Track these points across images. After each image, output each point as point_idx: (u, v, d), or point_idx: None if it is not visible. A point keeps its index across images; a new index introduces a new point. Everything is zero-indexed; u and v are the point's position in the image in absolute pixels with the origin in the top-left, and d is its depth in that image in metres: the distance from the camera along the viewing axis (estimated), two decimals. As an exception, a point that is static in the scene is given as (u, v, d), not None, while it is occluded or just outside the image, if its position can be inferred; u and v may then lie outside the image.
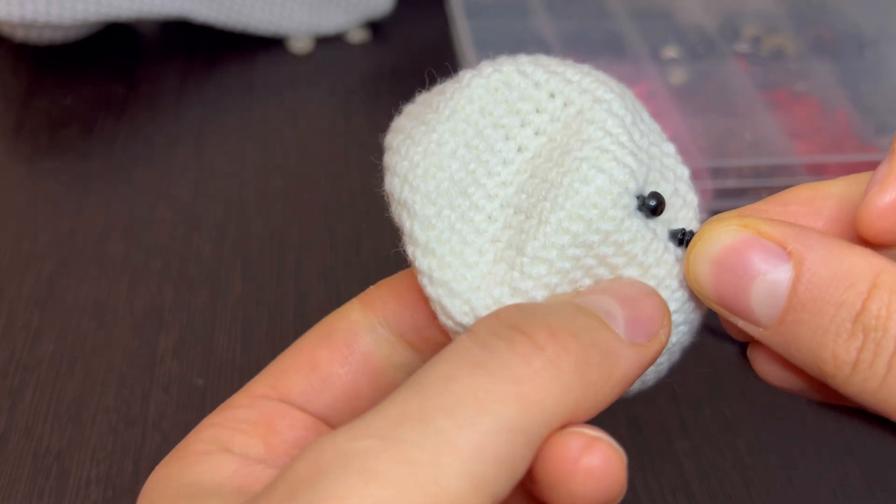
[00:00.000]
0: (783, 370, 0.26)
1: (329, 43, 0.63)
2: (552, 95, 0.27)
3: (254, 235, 0.48)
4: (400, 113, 0.29)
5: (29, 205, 0.50)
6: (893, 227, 0.25)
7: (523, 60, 0.28)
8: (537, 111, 0.27)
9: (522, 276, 0.25)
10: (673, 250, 0.26)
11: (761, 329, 0.24)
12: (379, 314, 0.27)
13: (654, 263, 0.26)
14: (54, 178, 0.52)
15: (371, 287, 0.30)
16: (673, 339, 0.27)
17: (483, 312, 0.25)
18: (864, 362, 0.23)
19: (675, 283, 0.26)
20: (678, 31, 0.57)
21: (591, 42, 0.57)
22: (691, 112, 0.51)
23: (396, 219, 0.27)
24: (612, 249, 0.25)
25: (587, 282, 0.25)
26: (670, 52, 0.56)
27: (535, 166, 0.27)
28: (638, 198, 0.26)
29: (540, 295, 0.25)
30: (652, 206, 0.26)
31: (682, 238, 0.26)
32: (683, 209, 0.29)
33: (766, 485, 0.36)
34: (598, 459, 0.21)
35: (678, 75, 0.54)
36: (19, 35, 0.59)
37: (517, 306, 0.23)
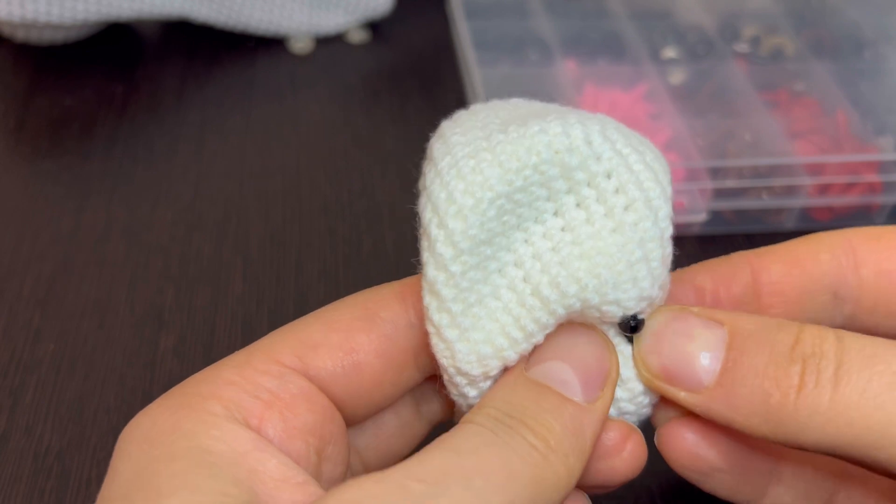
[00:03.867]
0: (702, 442, 0.29)
1: (329, 43, 0.63)
2: (608, 176, 0.26)
3: (254, 235, 0.48)
4: (452, 116, 0.28)
5: (29, 205, 0.50)
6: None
7: (594, 128, 0.26)
8: (588, 185, 0.26)
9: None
10: (620, 342, 0.28)
11: (702, 391, 0.26)
12: (418, 309, 0.27)
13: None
14: (54, 178, 0.52)
15: (409, 279, 0.29)
16: (631, 407, 0.29)
17: (465, 367, 0.26)
18: (809, 384, 0.24)
19: (628, 373, 0.28)
20: (678, 31, 0.57)
21: (591, 42, 0.57)
22: (691, 112, 0.51)
23: (422, 228, 0.26)
24: None
25: None
26: (670, 52, 0.56)
27: (560, 241, 0.26)
28: (622, 318, 0.27)
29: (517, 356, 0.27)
30: (632, 325, 0.27)
31: (633, 325, 0.27)
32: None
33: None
34: (635, 445, 0.27)
35: (678, 75, 0.54)
36: (20, 35, 0.59)
37: (491, 403, 0.25)
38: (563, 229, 0.26)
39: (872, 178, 0.47)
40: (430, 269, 0.25)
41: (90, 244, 0.47)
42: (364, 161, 0.53)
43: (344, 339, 0.27)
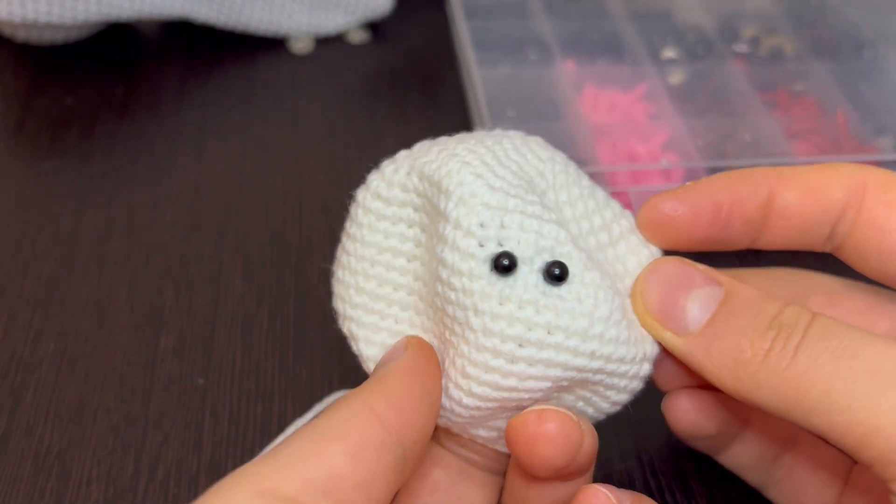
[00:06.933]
0: (698, 411, 0.32)
1: (329, 43, 0.63)
2: (417, 192, 0.30)
3: (254, 235, 0.48)
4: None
5: (29, 205, 0.50)
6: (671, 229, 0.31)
7: (402, 160, 0.30)
8: (415, 210, 0.30)
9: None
10: (550, 292, 0.27)
11: (686, 336, 0.28)
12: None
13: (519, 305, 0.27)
14: (55, 178, 0.52)
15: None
16: (583, 362, 0.28)
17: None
18: (776, 348, 0.27)
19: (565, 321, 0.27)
20: (677, 31, 0.57)
21: (590, 42, 0.57)
22: (690, 112, 0.51)
23: (346, 331, 0.31)
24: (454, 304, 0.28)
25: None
26: (669, 52, 0.56)
27: (423, 260, 0.30)
28: (492, 259, 0.27)
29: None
30: (504, 265, 0.27)
31: (558, 274, 0.27)
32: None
33: (765, 484, 0.37)
34: (552, 425, 0.27)
35: (677, 76, 0.54)
36: (20, 36, 0.59)
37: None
38: (424, 253, 0.31)
39: (872, 178, 0.47)
40: (363, 349, 0.32)
41: (90, 244, 0.47)
42: (364, 161, 0.53)
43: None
